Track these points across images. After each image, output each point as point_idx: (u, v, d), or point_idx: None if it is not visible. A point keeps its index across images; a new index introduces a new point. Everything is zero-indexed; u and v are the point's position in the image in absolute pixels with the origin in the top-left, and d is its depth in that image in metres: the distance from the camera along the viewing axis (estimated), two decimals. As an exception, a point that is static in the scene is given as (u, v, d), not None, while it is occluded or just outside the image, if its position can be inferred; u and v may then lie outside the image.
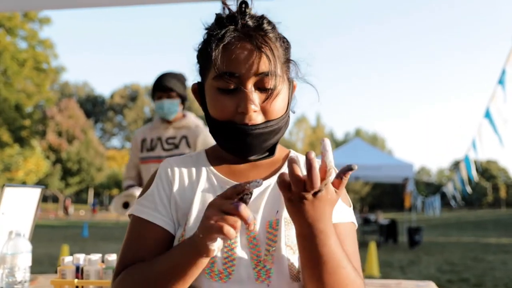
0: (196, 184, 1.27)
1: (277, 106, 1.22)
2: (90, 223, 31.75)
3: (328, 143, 0.99)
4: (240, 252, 1.19)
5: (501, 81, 4.46)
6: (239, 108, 1.18)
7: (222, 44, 1.17)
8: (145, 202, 1.26)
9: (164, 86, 3.64)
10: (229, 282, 1.17)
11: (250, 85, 1.18)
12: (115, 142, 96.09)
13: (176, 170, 1.30)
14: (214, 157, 1.34)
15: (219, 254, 1.17)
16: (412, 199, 19.16)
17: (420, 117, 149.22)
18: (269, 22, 1.22)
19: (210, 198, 1.21)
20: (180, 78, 3.77)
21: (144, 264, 1.18)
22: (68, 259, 1.97)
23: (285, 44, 1.26)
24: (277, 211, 1.23)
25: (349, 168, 1.01)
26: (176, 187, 1.27)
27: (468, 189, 11.10)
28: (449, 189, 17.35)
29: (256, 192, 1.22)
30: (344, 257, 1.11)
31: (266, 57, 1.17)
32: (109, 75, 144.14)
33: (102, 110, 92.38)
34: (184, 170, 1.30)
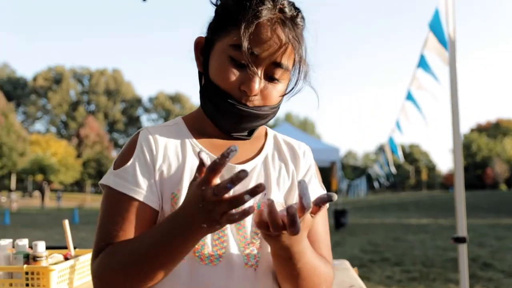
0: (183, 159, 1.21)
1: (275, 95, 1.20)
2: (16, 209, 30.51)
3: (306, 185, 0.96)
4: (230, 234, 1.18)
5: (420, 65, 4.63)
6: (243, 86, 1.15)
7: (257, 21, 1.11)
8: (125, 174, 1.16)
9: None
10: (219, 266, 1.15)
11: (262, 69, 1.16)
12: (39, 126, 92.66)
13: (159, 140, 1.22)
14: (195, 128, 1.28)
15: (209, 236, 1.14)
16: (338, 182, 19.67)
17: (348, 103, 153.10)
18: (303, 18, 1.20)
19: None
20: None
21: (131, 240, 1.10)
22: (-24, 245, 1.89)
23: (305, 44, 1.23)
24: (265, 194, 1.22)
25: (329, 199, 0.99)
26: (160, 159, 1.19)
27: (393, 169, 11.48)
28: (375, 170, 17.92)
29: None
30: (317, 261, 1.15)
31: (289, 51, 1.15)
32: (32, 57, 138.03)
33: (24, 93, 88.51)
34: (167, 141, 1.23)
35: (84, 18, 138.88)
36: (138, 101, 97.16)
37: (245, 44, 1.10)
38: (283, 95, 1.22)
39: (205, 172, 0.94)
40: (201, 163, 0.99)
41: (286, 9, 1.15)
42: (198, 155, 1.01)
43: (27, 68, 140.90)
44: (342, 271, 2.33)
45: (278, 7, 1.14)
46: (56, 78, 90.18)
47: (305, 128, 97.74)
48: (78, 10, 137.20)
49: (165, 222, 1.05)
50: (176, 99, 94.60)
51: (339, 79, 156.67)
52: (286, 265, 1.10)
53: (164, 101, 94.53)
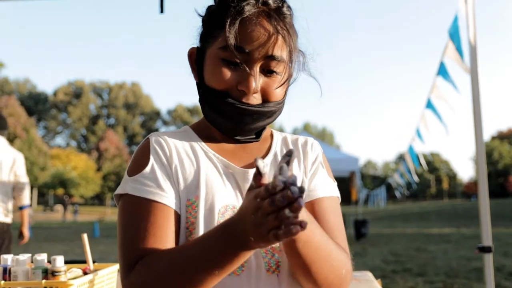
0: (197, 164, 1.19)
1: (277, 90, 1.19)
2: (34, 223, 30.81)
3: (261, 162, 0.91)
4: None
5: (439, 73, 4.57)
6: (240, 85, 1.14)
7: (240, 18, 1.11)
8: (144, 179, 1.13)
9: None
10: (242, 275, 1.12)
11: (257, 65, 1.15)
12: (60, 140, 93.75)
13: (170, 143, 1.21)
14: (203, 135, 1.27)
15: None
16: (358, 192, 19.53)
17: (368, 113, 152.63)
18: (289, 7, 1.19)
19: (216, 180, 1.17)
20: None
21: (170, 251, 1.06)
22: (-6, 260, 1.88)
23: (296, 34, 1.23)
24: None
25: (288, 154, 0.94)
26: (175, 161, 1.18)
27: (415, 178, 11.35)
28: (395, 179, 17.75)
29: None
30: (330, 244, 1.09)
31: (280, 41, 1.14)
32: (52, 71, 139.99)
33: (45, 107, 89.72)
34: (179, 144, 1.22)
35: (102, 32, 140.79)
36: (157, 114, 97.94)
37: (232, 41, 1.10)
38: (279, 86, 1.19)
39: (261, 186, 0.90)
40: (258, 171, 0.93)
41: (270, 1, 1.15)
42: (254, 162, 0.93)
43: (47, 83, 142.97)
44: (365, 283, 2.29)
45: (261, 0, 1.14)
46: (76, 93, 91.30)
47: (323, 138, 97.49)
48: (97, 25, 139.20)
49: (219, 228, 1.00)
50: (194, 111, 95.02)
51: (357, 87, 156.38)
52: (301, 254, 1.04)
53: (182, 114, 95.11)
